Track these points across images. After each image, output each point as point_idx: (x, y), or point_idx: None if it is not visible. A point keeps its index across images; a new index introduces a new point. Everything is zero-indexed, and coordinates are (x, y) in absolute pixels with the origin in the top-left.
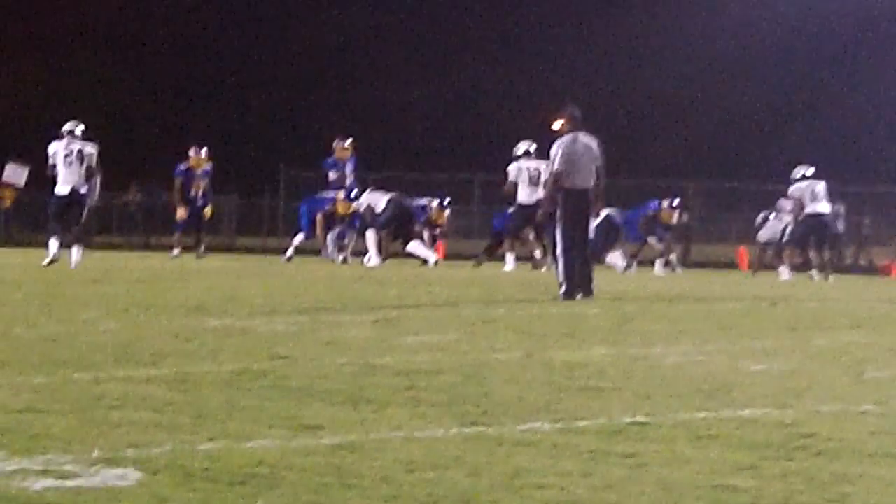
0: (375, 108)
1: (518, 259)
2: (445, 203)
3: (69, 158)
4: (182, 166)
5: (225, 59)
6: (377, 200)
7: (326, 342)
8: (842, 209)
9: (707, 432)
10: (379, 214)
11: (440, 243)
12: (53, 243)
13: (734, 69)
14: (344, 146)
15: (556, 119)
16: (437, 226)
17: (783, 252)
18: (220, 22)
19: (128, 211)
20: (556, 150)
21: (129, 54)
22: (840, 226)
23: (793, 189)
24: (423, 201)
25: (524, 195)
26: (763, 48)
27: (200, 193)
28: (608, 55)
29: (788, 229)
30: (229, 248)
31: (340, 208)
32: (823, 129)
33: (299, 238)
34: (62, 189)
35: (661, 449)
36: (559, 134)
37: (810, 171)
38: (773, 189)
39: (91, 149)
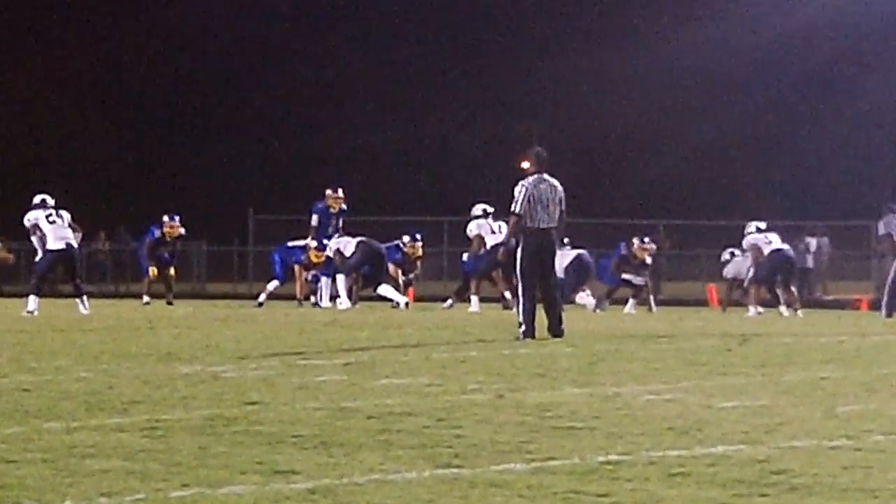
0: (344, 153)
1: (489, 300)
2: (418, 236)
3: (51, 217)
4: (156, 233)
5: (193, 104)
6: (346, 244)
7: (298, 387)
8: (812, 244)
9: (680, 470)
10: (349, 258)
11: (411, 289)
12: (35, 298)
13: (700, 107)
14: (337, 195)
15: (524, 160)
16: (414, 260)
17: (750, 289)
18: (187, 66)
19: (97, 259)
20: (520, 190)
21: (96, 103)
22: (810, 261)
23: (747, 240)
24: (394, 242)
25: (491, 240)
26: (728, 86)
27: (169, 252)
28: (574, 97)
29: (753, 268)
30: (199, 295)
31: (313, 257)
32: (789, 166)
33: (273, 284)
34: (56, 244)
35: (635, 488)
36: (525, 174)
37: (763, 224)
38: (741, 225)
39: (65, 213)
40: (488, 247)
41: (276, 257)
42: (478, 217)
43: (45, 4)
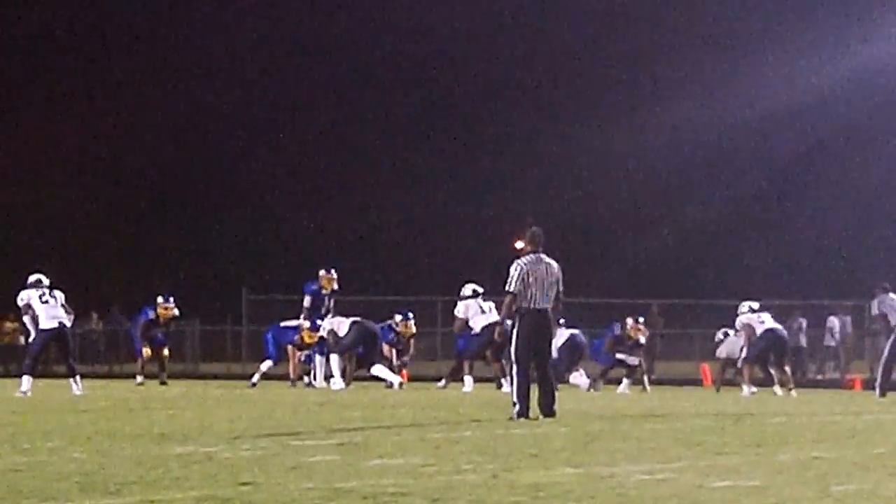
0: (337, 232)
1: (484, 380)
2: (410, 315)
3: (44, 297)
4: (150, 314)
5: (185, 183)
6: (340, 324)
7: (291, 467)
8: (804, 324)
9: None
10: (342, 338)
11: (405, 370)
12: (29, 379)
13: (693, 186)
14: (331, 276)
15: (519, 240)
16: (407, 339)
17: (743, 369)
18: (179, 145)
19: (90, 339)
20: (515, 270)
21: (89, 182)
22: (803, 340)
23: (741, 319)
24: (387, 322)
25: (481, 321)
26: (722, 165)
27: (162, 333)
28: (567, 176)
29: (746, 348)
30: (193, 375)
31: (306, 338)
32: (783, 245)
33: (267, 364)
34: (49, 323)
35: None
36: (521, 255)
37: (756, 304)
38: (734, 305)
39: (59, 293)
40: (478, 327)
41: (270, 337)
42: (467, 297)
43: (40, 80)
